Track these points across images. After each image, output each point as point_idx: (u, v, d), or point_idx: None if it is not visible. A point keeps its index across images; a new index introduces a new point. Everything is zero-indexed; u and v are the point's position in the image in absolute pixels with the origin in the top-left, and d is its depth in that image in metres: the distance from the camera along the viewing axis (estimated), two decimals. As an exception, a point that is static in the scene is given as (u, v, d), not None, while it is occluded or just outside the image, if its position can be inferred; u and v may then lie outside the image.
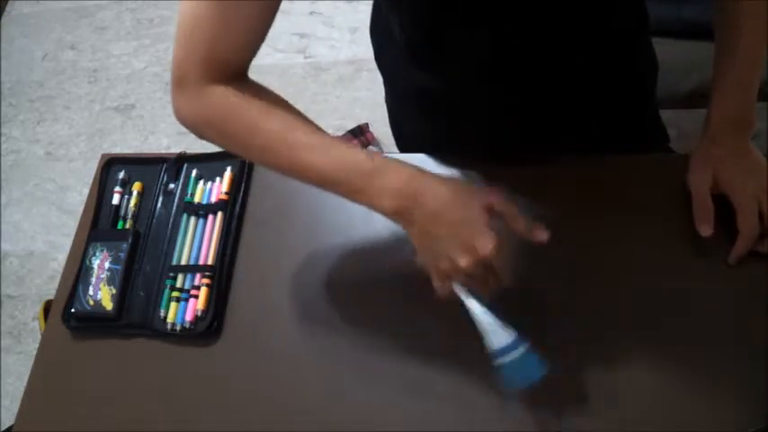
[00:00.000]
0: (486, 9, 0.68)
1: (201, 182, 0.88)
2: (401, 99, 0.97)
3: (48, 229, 1.96)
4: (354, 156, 0.62)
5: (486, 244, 0.58)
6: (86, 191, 0.91)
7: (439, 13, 0.71)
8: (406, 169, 0.61)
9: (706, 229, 0.74)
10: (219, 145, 0.68)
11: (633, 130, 0.91)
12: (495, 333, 0.62)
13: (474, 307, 0.63)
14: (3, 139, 2.16)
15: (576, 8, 0.71)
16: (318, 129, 0.64)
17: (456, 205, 0.60)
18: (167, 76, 2.49)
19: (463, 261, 0.59)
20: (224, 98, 0.64)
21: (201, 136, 0.67)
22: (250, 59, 0.66)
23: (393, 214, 0.61)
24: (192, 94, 0.64)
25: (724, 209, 0.75)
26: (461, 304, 0.64)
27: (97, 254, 0.83)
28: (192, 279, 0.81)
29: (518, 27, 0.71)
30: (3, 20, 2.45)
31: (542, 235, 0.61)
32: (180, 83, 0.64)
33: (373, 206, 0.62)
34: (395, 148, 1.05)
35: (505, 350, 0.62)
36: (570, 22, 0.72)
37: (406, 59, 0.83)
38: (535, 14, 0.70)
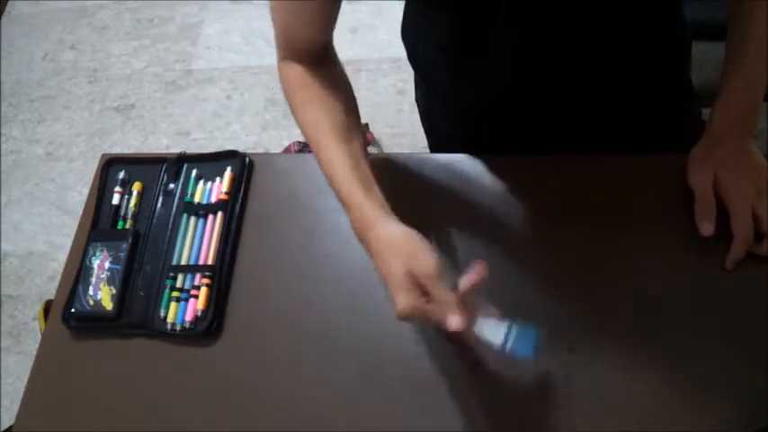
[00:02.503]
0: (510, 10, 0.70)
1: (201, 182, 0.88)
2: (437, 98, 0.98)
3: (48, 229, 1.96)
4: (343, 182, 0.69)
5: (399, 302, 0.61)
6: (86, 191, 0.91)
7: (468, 14, 0.72)
8: (366, 208, 0.67)
9: (707, 228, 0.74)
10: None
11: (664, 128, 0.91)
12: (492, 331, 0.63)
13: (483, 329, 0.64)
14: (3, 139, 2.16)
15: (601, 8, 0.71)
16: (336, 136, 0.72)
17: (385, 262, 0.64)
18: (167, 76, 2.51)
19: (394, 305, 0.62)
20: (288, 79, 0.77)
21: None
22: (319, 45, 0.76)
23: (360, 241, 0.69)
24: (279, 69, 0.78)
25: (723, 209, 0.75)
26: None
27: (97, 254, 0.83)
28: (192, 279, 0.81)
29: (544, 28, 0.72)
30: (3, 20, 2.45)
31: (455, 322, 0.59)
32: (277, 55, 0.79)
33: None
34: (395, 148, 1.06)
35: (507, 336, 0.62)
36: (594, 22, 0.73)
37: (440, 60, 0.85)
38: (560, 16, 0.71)
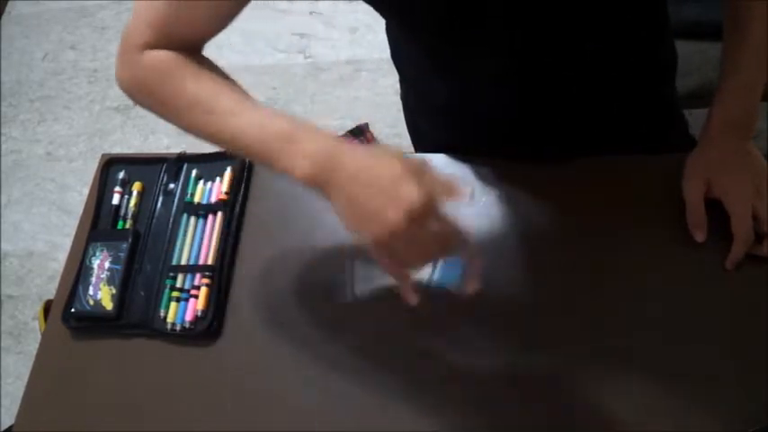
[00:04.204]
0: (499, 11, 0.69)
1: (201, 182, 0.88)
2: (418, 98, 0.97)
3: (48, 229, 1.96)
4: (272, 120, 0.59)
5: (411, 190, 0.52)
6: (86, 191, 0.91)
7: (454, 17, 0.71)
8: (323, 134, 0.58)
9: (700, 235, 0.75)
10: (154, 111, 0.66)
11: (652, 122, 0.91)
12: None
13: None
14: (3, 139, 2.16)
15: (590, 8, 0.71)
16: (247, 97, 0.63)
17: (378, 163, 0.54)
18: (167, 76, 2.44)
19: (391, 213, 0.52)
20: (160, 60, 0.64)
21: (137, 101, 0.66)
22: (202, 38, 0.66)
23: (310, 181, 0.57)
24: (133, 57, 0.64)
25: (723, 209, 0.75)
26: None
27: (97, 254, 0.83)
28: (192, 279, 0.81)
29: (533, 27, 0.71)
30: (3, 20, 2.45)
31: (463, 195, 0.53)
32: (124, 46, 0.65)
33: (290, 172, 0.58)
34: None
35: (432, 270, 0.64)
36: (584, 22, 0.72)
37: (422, 61, 0.84)
38: (549, 15, 0.70)
